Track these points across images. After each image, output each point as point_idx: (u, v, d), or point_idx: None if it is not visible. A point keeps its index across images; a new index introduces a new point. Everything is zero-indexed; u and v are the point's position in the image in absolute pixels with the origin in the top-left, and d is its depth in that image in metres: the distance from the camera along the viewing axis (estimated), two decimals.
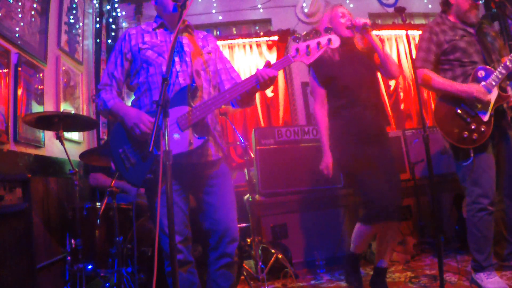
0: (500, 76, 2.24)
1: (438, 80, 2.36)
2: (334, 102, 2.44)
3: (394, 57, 4.82)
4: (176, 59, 1.77)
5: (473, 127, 2.25)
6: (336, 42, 1.67)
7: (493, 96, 2.26)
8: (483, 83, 2.26)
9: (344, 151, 2.36)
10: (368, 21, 2.28)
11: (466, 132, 2.25)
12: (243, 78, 1.82)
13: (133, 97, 1.87)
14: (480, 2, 2.33)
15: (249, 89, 1.70)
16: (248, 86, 1.69)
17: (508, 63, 2.23)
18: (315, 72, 2.47)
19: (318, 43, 1.67)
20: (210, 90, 1.84)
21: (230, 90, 1.70)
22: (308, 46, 1.67)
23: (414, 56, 2.39)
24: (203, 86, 1.81)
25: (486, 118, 2.25)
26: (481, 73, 2.28)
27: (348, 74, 2.36)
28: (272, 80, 1.68)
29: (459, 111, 2.30)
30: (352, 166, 2.33)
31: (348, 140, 2.33)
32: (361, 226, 2.35)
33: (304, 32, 4.53)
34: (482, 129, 2.24)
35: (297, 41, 1.70)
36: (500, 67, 2.24)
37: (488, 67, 2.28)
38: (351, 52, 2.41)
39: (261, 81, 1.66)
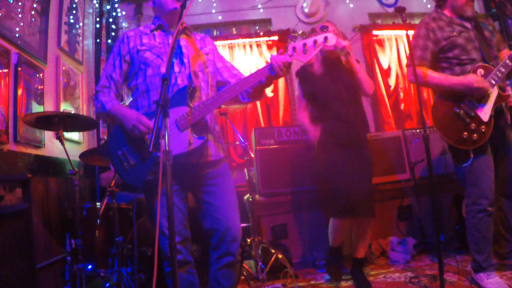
0: (499, 75, 2.19)
1: (434, 75, 2.31)
2: (316, 113, 2.73)
3: (394, 57, 4.83)
4: (175, 60, 1.78)
5: (473, 127, 2.21)
6: (332, 40, 1.68)
7: (493, 95, 2.22)
8: None
9: (323, 152, 2.61)
10: (347, 43, 2.49)
11: (465, 133, 2.22)
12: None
13: (132, 98, 1.88)
14: None
15: (247, 88, 1.71)
16: (246, 86, 1.70)
17: (507, 61, 2.18)
18: (300, 84, 2.76)
19: (315, 41, 1.68)
20: (208, 91, 1.84)
21: (228, 89, 1.70)
22: (305, 45, 1.68)
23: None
24: (201, 87, 1.81)
25: (486, 118, 2.21)
26: (480, 72, 2.23)
27: (328, 90, 2.61)
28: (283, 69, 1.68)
29: (458, 111, 2.26)
30: (329, 166, 2.57)
31: (327, 143, 2.58)
32: (335, 220, 2.61)
33: (301, 31, 4.54)
34: (482, 130, 2.21)
35: (294, 39, 1.73)
36: (500, 65, 2.20)
37: (487, 65, 2.24)
38: (334, 66, 2.65)
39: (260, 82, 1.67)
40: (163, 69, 1.75)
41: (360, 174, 2.53)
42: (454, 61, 2.33)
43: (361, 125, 2.66)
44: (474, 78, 2.19)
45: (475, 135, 2.21)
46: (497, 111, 2.27)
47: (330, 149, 2.58)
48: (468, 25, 2.34)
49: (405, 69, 4.76)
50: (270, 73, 1.68)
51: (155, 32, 1.86)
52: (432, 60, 2.38)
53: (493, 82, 2.21)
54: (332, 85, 2.61)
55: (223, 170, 1.84)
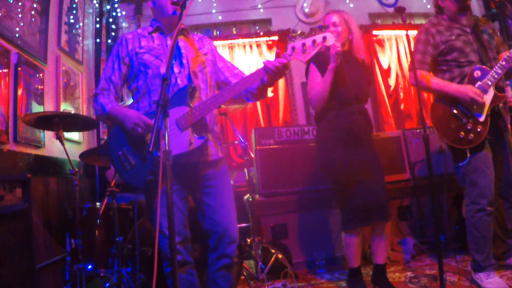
0: (496, 76, 2.24)
1: (434, 80, 2.37)
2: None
3: (394, 57, 4.83)
4: (174, 62, 1.78)
5: (469, 127, 2.25)
6: (330, 40, 1.68)
7: (489, 96, 2.25)
8: (479, 83, 2.26)
9: (331, 154, 2.36)
10: (337, 49, 2.27)
11: (462, 133, 2.26)
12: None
13: (132, 100, 1.88)
14: (470, 1, 2.32)
15: (247, 88, 1.72)
16: (246, 85, 1.70)
17: (504, 63, 2.22)
18: (319, 69, 2.45)
19: (314, 41, 1.68)
20: (207, 91, 1.85)
21: (228, 89, 1.71)
22: (304, 44, 1.69)
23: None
24: (201, 87, 1.82)
25: (482, 118, 2.25)
26: (477, 73, 2.28)
27: (342, 78, 2.37)
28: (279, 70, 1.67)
29: (455, 111, 2.30)
30: (340, 170, 2.33)
31: (336, 144, 2.35)
32: (347, 235, 2.39)
33: (300, 31, 4.54)
34: (479, 129, 2.24)
35: (293, 39, 1.73)
36: (496, 66, 2.24)
37: (484, 66, 2.28)
38: (346, 56, 2.43)
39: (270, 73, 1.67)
40: (162, 70, 1.76)
41: (378, 178, 2.35)
42: (453, 63, 2.37)
43: (366, 122, 2.46)
44: (471, 89, 2.23)
45: (471, 134, 2.25)
46: (494, 112, 2.30)
47: (340, 149, 2.34)
48: (467, 29, 2.38)
49: (405, 70, 4.78)
50: (266, 74, 1.69)
51: (153, 34, 1.87)
52: (432, 64, 2.44)
53: (489, 83, 2.25)
54: (348, 72, 2.35)
55: (222, 172, 1.84)
